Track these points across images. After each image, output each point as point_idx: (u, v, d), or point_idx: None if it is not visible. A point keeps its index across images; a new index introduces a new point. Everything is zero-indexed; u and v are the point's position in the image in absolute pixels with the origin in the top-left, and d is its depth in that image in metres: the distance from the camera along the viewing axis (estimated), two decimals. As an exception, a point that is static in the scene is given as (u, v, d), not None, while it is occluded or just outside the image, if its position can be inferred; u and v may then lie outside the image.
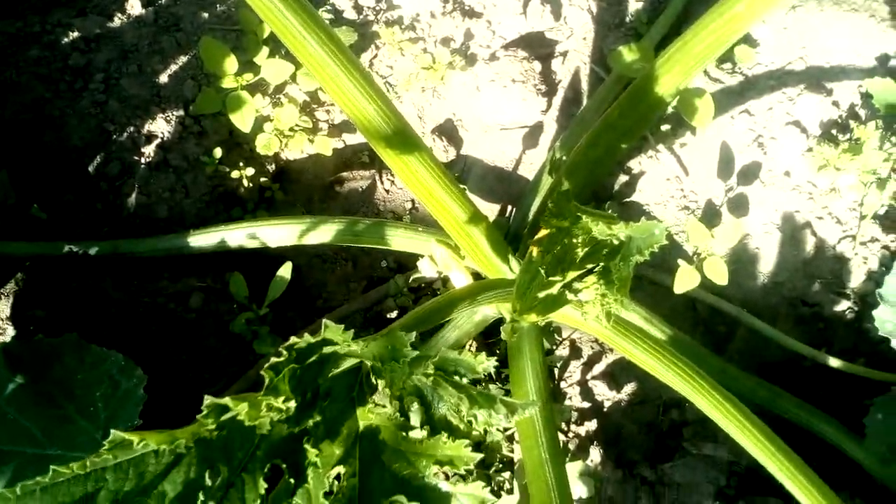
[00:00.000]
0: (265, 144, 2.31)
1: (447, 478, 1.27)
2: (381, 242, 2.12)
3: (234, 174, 2.30)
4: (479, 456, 1.17)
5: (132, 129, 2.28)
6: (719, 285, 2.14)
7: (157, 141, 2.28)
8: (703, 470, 2.09)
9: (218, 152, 2.28)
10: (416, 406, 1.22)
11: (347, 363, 1.21)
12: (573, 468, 2.05)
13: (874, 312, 2.04)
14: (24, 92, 2.31)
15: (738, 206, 2.36)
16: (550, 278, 1.51)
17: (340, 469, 1.21)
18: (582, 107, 2.45)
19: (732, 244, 2.20)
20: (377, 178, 2.45)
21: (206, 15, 2.47)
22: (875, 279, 2.25)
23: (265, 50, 2.29)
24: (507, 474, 2.13)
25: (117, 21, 2.44)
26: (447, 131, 2.47)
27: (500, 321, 2.09)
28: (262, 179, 2.36)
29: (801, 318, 2.28)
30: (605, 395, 2.27)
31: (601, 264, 1.44)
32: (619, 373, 2.28)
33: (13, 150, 2.24)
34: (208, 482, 1.05)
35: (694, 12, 2.49)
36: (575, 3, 2.53)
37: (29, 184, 2.22)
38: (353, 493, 1.20)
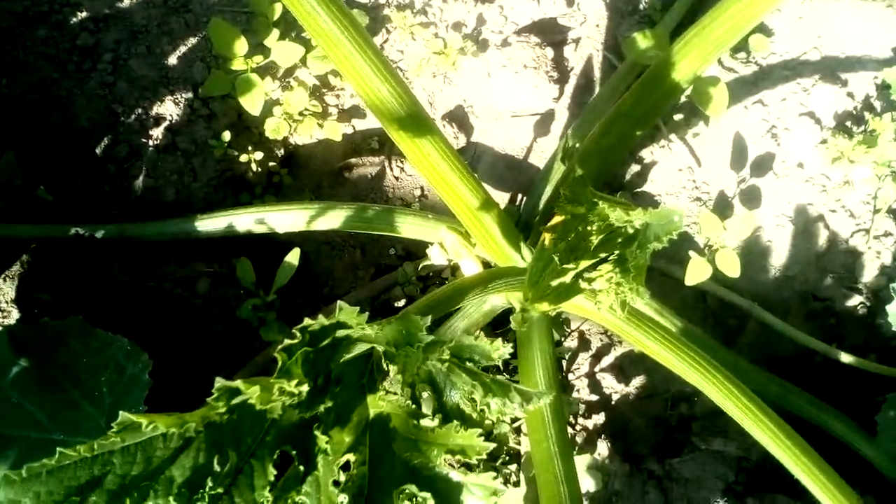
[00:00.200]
0: (274, 128, 2.28)
1: (453, 467, 1.25)
2: (390, 229, 2.09)
3: (243, 158, 2.27)
4: (492, 445, 1.15)
5: (140, 110, 2.25)
6: (730, 278, 2.12)
7: (166, 123, 2.25)
8: (712, 465, 2.07)
9: (227, 136, 2.25)
10: (427, 393, 1.20)
11: (359, 349, 1.19)
12: (581, 461, 2.03)
13: (887, 308, 2.01)
14: (31, 72, 2.28)
15: (751, 197, 2.34)
16: (564, 266, 1.49)
17: (350, 457, 1.19)
18: (594, 94, 2.42)
19: (745, 236, 2.18)
20: (386, 164, 2.43)
21: (215, -4, 2.45)
22: (888, 274, 2.23)
23: (275, 32, 2.26)
24: (513, 466, 2.11)
25: (126, 1, 2.41)
26: (458, 118, 2.45)
27: (509, 311, 2.06)
28: (271, 164, 2.34)
29: (813, 313, 2.26)
30: (614, 387, 2.25)
31: (616, 252, 1.41)
32: (628, 365, 2.26)
33: (20, 131, 2.22)
34: (217, 468, 1.03)
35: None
36: (588, -11, 2.50)
37: (36, 165, 2.19)
38: (363, 481, 1.17)
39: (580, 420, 2.19)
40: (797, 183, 2.31)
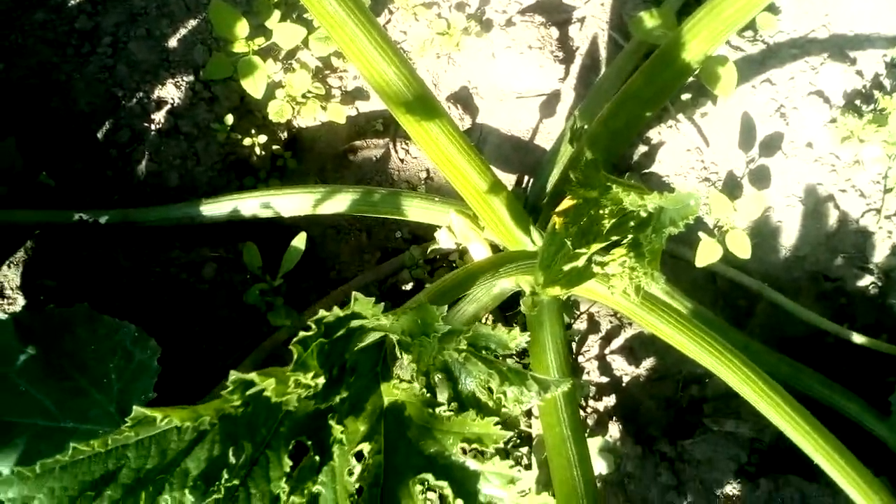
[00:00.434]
0: (277, 111, 2.26)
1: (465, 454, 1.23)
2: (396, 213, 2.07)
3: (247, 142, 2.25)
4: (509, 434, 1.14)
5: (141, 94, 2.22)
6: (740, 259, 2.10)
7: (167, 107, 2.22)
8: (724, 446, 2.06)
9: (230, 119, 2.23)
10: (442, 382, 1.18)
11: (372, 337, 1.17)
12: (593, 444, 2.02)
13: (899, 287, 2.00)
14: (30, 56, 2.25)
15: (760, 177, 2.31)
16: (577, 251, 1.47)
17: (365, 446, 1.17)
18: (600, 74, 2.39)
19: (755, 217, 2.16)
20: (391, 146, 2.40)
21: (216, -23, 2.41)
22: (899, 253, 2.21)
23: (276, 14, 2.22)
24: (524, 449, 2.10)
25: (125, -17, 2.38)
26: (462, 99, 2.42)
27: (517, 294, 2.05)
28: (275, 147, 2.31)
29: (823, 294, 2.24)
30: (624, 369, 2.23)
31: (630, 236, 1.39)
32: (638, 347, 2.25)
33: (20, 116, 2.19)
34: (232, 459, 1.01)
35: (717, -22, 2.43)
36: (594, -33, 2.47)
37: (37, 150, 2.17)
38: (379, 470, 1.16)
39: (591, 402, 2.18)
40: (806, 163, 2.28)
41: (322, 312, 1.06)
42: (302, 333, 1.05)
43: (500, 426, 1.14)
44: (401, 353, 1.17)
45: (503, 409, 1.16)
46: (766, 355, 2.05)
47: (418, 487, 1.15)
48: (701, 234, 2.09)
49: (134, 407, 0.93)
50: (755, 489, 2.00)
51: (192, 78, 2.26)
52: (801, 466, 2.08)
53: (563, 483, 1.68)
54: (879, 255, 2.22)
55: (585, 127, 1.98)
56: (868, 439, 2.01)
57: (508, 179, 2.38)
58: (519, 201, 1.90)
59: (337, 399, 1.11)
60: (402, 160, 2.40)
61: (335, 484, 1.11)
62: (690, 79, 2.31)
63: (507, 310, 2.24)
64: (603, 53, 2.44)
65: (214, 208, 2.08)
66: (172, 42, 2.32)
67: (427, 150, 1.70)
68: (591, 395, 2.18)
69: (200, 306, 2.08)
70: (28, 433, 1.67)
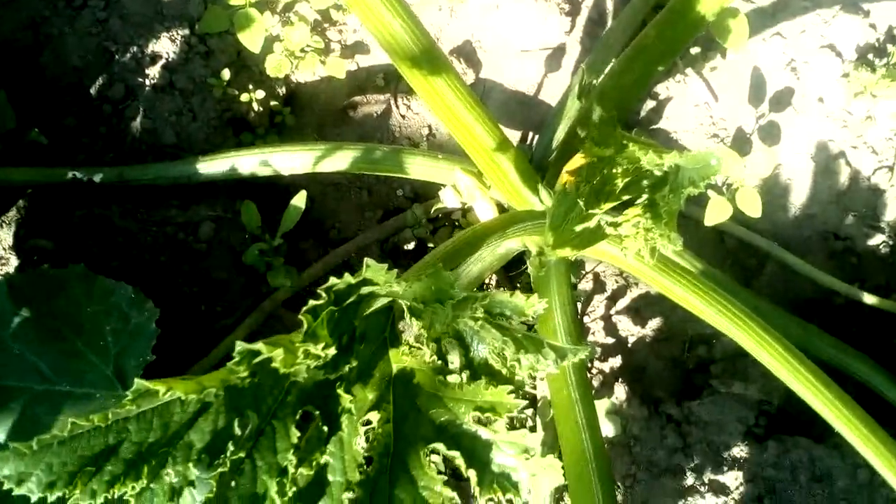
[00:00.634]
0: (275, 66, 2.19)
1: (477, 422, 1.19)
2: (399, 171, 2.02)
3: (244, 97, 2.18)
4: (524, 403, 1.10)
5: (135, 49, 2.15)
6: (749, 218, 2.05)
7: (162, 62, 2.15)
8: (732, 408, 2.03)
9: (226, 74, 2.16)
10: (454, 348, 1.14)
11: (380, 302, 1.12)
12: (599, 406, 1.99)
13: (912, 247, 1.97)
14: (20, 9, 2.17)
15: (770, 134, 2.26)
16: (590, 211, 1.42)
17: (374, 415, 1.13)
18: (607, 27, 2.33)
19: (765, 175, 2.11)
20: (392, 102, 2.34)
21: (210, -74, 2.33)
22: (912, 212, 2.17)
23: (275, -36, 2.15)
24: (529, 411, 2.07)
25: (116, -67, 2.29)
26: (465, 53, 2.35)
27: (522, 253, 2.00)
28: (273, 103, 2.25)
29: (833, 253, 2.21)
30: (630, 330, 2.20)
31: (646, 197, 1.34)
32: (644, 307, 2.21)
33: (11, 72, 2.12)
34: (238, 431, 0.97)
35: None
36: (601, -85, 2.39)
37: (29, 107, 2.10)
38: (388, 439, 1.12)
39: (596, 363, 2.15)
40: (817, 118, 2.23)
41: (332, 280, 1.01)
42: (312, 302, 1.00)
43: (513, 395, 1.10)
44: (411, 319, 1.12)
45: (516, 377, 1.12)
46: (777, 316, 2.02)
47: (429, 457, 1.12)
48: (710, 192, 2.04)
49: (136, 380, 0.88)
50: (763, 451, 1.97)
51: (187, 31, 2.18)
52: (809, 428, 2.06)
53: (571, 448, 1.65)
54: (891, 214, 2.18)
55: (595, 82, 1.92)
56: (879, 402, 1.98)
57: (513, 136, 2.32)
58: (525, 159, 1.85)
59: (346, 368, 1.06)
60: (403, 116, 2.34)
61: (343, 454, 1.07)
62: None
63: (510, 270, 2.20)
64: (609, 6, 2.37)
65: (212, 166, 2.03)
66: (166, -7, 2.24)
67: (433, 107, 1.64)
68: (596, 356, 2.14)
69: (198, 266, 2.03)
70: (23, 397, 1.63)
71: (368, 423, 1.12)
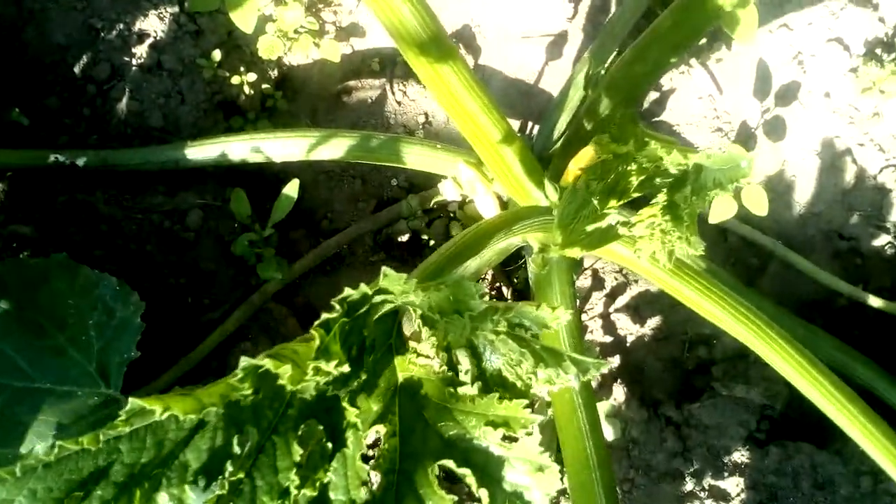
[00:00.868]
0: (268, 47, 2.10)
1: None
2: (396, 160, 1.95)
3: (235, 80, 2.09)
4: (540, 418, 1.03)
5: (122, 26, 2.05)
6: (753, 215, 2.00)
7: (150, 41, 2.05)
8: (733, 412, 1.98)
9: (217, 55, 2.07)
10: (465, 358, 1.07)
11: (387, 307, 1.05)
12: (599, 408, 1.93)
13: (917, 248, 1.92)
14: (0, -18, 2.07)
15: (775, 129, 2.21)
16: (604, 210, 1.35)
17: (379, 428, 1.06)
18: (610, 14, 2.25)
19: (771, 171, 2.06)
20: (388, 87, 2.26)
21: None
22: (919, 213, 2.13)
23: (269, -59, 2.06)
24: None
25: None
26: (464, 38, 2.27)
27: (520, 247, 1.93)
28: (265, 87, 2.16)
29: (838, 253, 2.16)
30: (629, 329, 2.14)
31: (664, 197, 1.28)
32: (644, 306, 2.15)
33: (-10, 48, 2.02)
34: (237, 449, 0.90)
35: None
36: None
37: (9, 86, 2.00)
38: (394, 454, 1.05)
39: (595, 364, 2.09)
40: (824, 114, 2.18)
41: (347, 291, 0.94)
42: (325, 315, 0.93)
43: (529, 409, 1.03)
44: (420, 327, 1.05)
45: (532, 391, 1.05)
46: (780, 317, 1.96)
47: (437, 475, 1.05)
48: (716, 188, 1.98)
49: (130, 399, 0.80)
50: (765, 456, 1.93)
51: (176, 9, 2.08)
52: (810, 433, 2.01)
53: (574, 454, 1.59)
54: (897, 214, 2.14)
55: (602, 72, 1.85)
56: (882, 407, 1.94)
57: (512, 126, 2.25)
58: (530, 152, 1.78)
59: (356, 383, 0.99)
60: (399, 102, 2.26)
61: (347, 470, 1.00)
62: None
63: (508, 265, 2.13)
64: (613, -8, 2.30)
65: (201, 151, 1.95)
66: (155, -31, 2.14)
67: (437, 95, 1.57)
68: (595, 355, 2.08)
69: (185, 257, 1.95)
70: (3, 395, 1.54)
71: (373, 440, 1.05)
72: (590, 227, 1.40)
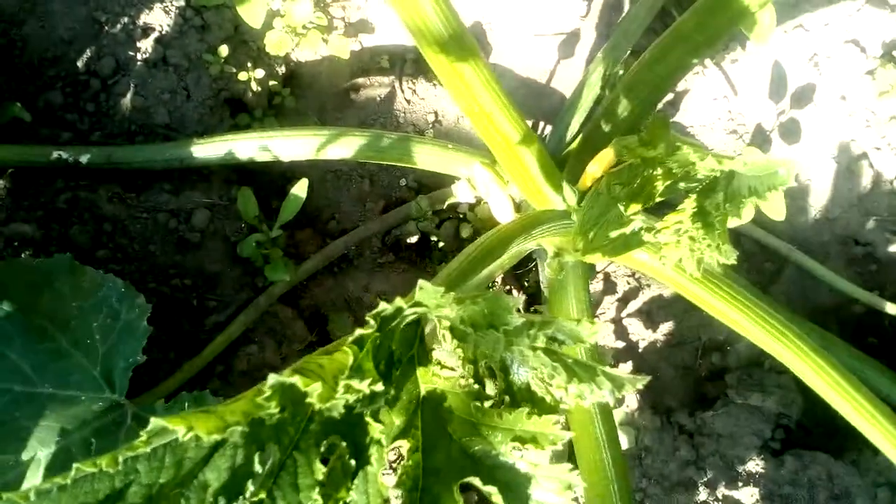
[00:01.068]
0: (276, 43, 2.05)
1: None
2: (406, 160, 1.90)
3: (241, 76, 2.04)
4: (569, 434, 0.99)
5: (126, 20, 1.99)
6: (768, 219, 1.96)
7: (155, 35, 2.00)
8: (747, 420, 1.94)
9: (223, 50, 2.02)
10: (492, 371, 1.02)
11: (411, 316, 1.01)
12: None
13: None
14: (2, -28, 2.02)
15: (790, 131, 2.18)
16: (630, 216, 1.31)
17: (402, 443, 1.02)
18: (624, 13, 2.21)
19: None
20: (397, 85, 2.21)
21: None
22: (937, 218, 2.09)
23: (278, -66, 2.01)
24: (536, 418, 1.96)
25: None
26: (476, 36, 2.23)
27: (531, 250, 1.89)
28: (272, 83, 2.11)
29: (853, 259, 2.13)
30: (641, 334, 2.10)
31: (694, 203, 1.23)
32: (657, 311, 2.12)
33: (-8, 42, 1.96)
34: (258, 468, 0.85)
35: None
36: None
37: (11, 80, 1.94)
38: (417, 471, 1.00)
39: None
40: (840, 117, 2.15)
41: (382, 305, 0.89)
42: (358, 332, 0.88)
43: (559, 425, 0.99)
44: (445, 338, 1.01)
45: (562, 406, 1.01)
46: (796, 324, 1.92)
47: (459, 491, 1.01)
48: (733, 192, 1.94)
49: (152, 419, 0.76)
50: (780, 467, 1.89)
51: (182, 3, 2.03)
52: (825, 443, 1.97)
53: (591, 465, 1.54)
54: (915, 220, 2.10)
55: (620, 72, 1.80)
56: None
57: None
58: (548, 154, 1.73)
59: (383, 401, 0.95)
60: (408, 101, 2.21)
61: (368, 487, 0.96)
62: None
63: (518, 268, 2.09)
64: (627, -10, 2.26)
65: (207, 149, 1.90)
66: (160, -38, 2.09)
67: (456, 95, 1.52)
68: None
69: (190, 257, 1.90)
70: (4, 399, 1.49)
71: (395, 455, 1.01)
72: (614, 234, 1.36)
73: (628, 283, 2.15)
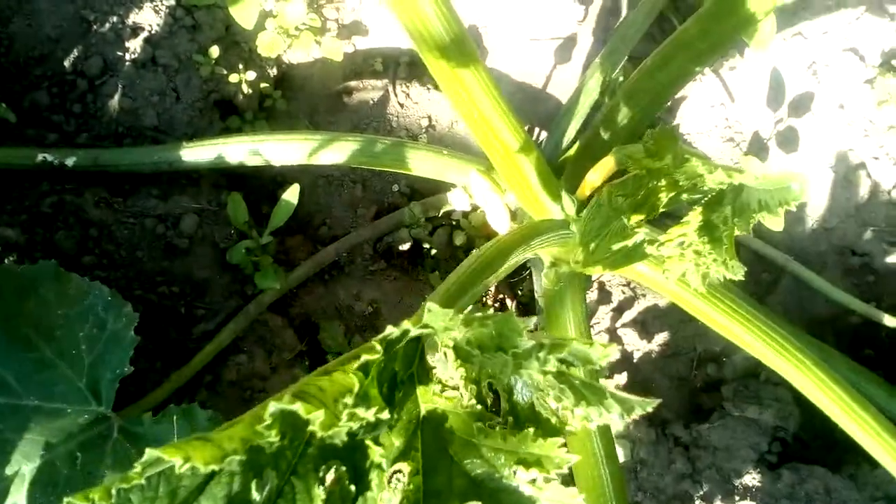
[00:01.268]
0: (268, 44, 2.01)
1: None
2: (400, 166, 1.87)
3: (232, 78, 2.00)
4: (575, 458, 0.95)
5: (115, 19, 1.95)
6: (765, 229, 1.93)
7: (144, 34, 1.95)
8: (744, 433, 1.91)
9: (214, 51, 1.97)
10: (496, 392, 0.99)
11: (413, 334, 0.97)
12: (609, 429, 1.86)
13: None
14: (-14, -32, 1.97)
15: (788, 140, 2.15)
16: (634, 228, 1.28)
17: (402, 466, 0.98)
18: (621, 18, 2.18)
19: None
20: (390, 89, 2.18)
21: None
22: (934, 229, 2.07)
23: (270, -67, 1.97)
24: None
25: None
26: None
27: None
28: (263, 85, 2.07)
29: (850, 269, 2.11)
30: (636, 345, 2.08)
31: (701, 218, 1.20)
32: (651, 321, 2.09)
33: (-25, 39, 1.91)
34: (255, 496, 0.81)
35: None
36: None
37: (-5, 80, 1.90)
38: (418, 495, 0.97)
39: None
40: (838, 126, 2.13)
41: (389, 329, 0.85)
42: (364, 357, 0.84)
43: (564, 448, 0.96)
44: (447, 356, 0.97)
45: (567, 427, 0.98)
46: (795, 336, 1.90)
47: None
48: (731, 202, 1.91)
49: (147, 450, 0.72)
50: (776, 480, 1.86)
51: (172, 2, 1.98)
52: (822, 456, 1.95)
53: (589, 482, 1.51)
54: (912, 230, 2.09)
55: (620, 79, 1.77)
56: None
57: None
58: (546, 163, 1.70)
59: (386, 427, 0.91)
60: (401, 105, 2.18)
61: (367, 512, 0.93)
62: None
63: (512, 276, 2.05)
64: (625, -6, 2.23)
65: (197, 153, 1.86)
66: (149, -41, 2.04)
67: (455, 101, 1.49)
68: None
69: (178, 264, 1.85)
70: (-13, 412, 1.45)
71: (394, 476, 0.97)
72: (616, 246, 1.32)
73: (623, 293, 2.12)
